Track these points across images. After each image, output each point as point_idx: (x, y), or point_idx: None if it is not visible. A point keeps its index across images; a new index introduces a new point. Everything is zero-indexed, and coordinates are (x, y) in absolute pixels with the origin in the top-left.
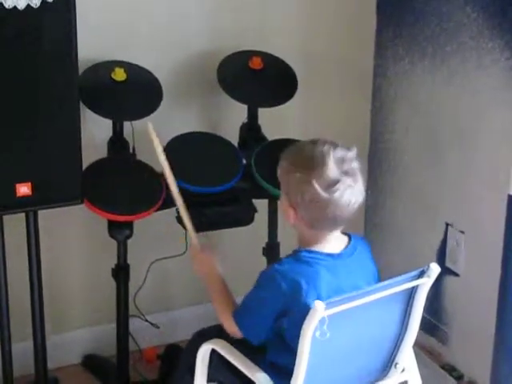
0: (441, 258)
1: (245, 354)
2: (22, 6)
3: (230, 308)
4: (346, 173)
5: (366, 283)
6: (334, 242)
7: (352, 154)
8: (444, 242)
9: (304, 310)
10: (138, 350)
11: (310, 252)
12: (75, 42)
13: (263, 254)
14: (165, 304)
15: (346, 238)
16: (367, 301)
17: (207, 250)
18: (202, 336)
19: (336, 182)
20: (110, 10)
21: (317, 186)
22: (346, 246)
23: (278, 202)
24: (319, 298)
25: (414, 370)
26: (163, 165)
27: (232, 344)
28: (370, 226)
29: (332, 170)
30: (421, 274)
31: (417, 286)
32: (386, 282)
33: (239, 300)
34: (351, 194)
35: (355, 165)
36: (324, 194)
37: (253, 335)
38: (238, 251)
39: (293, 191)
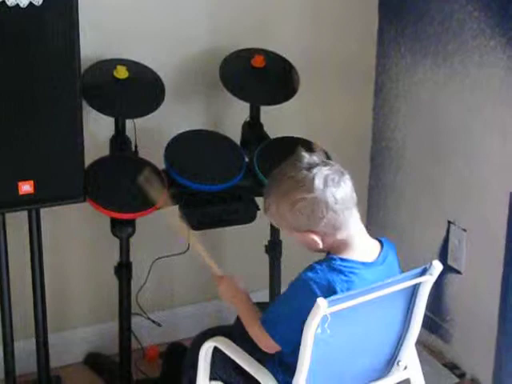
0: (443, 256)
1: (248, 352)
2: (24, 3)
3: (257, 321)
4: (311, 167)
5: None
6: (365, 248)
7: (302, 153)
8: (446, 239)
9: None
10: (140, 348)
11: (343, 260)
12: (77, 40)
13: (266, 251)
14: (167, 302)
15: (377, 244)
16: (370, 298)
17: (227, 276)
18: (207, 335)
19: (311, 178)
20: (112, 7)
21: (302, 195)
22: (379, 254)
23: (297, 241)
24: None
25: (416, 367)
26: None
27: (235, 342)
28: (373, 224)
29: (300, 173)
30: (423, 272)
31: (419, 284)
32: (388, 280)
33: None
34: (333, 175)
35: (314, 157)
36: (313, 195)
37: (285, 342)
38: (241, 249)
39: (295, 219)
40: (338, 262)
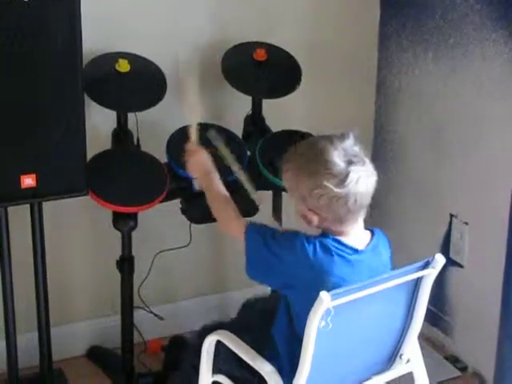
0: (445, 250)
1: (251, 345)
2: None
3: (233, 211)
4: (351, 162)
5: None
6: (357, 235)
7: (350, 141)
8: (448, 233)
9: (312, 294)
10: (143, 342)
11: (336, 241)
12: (80, 34)
13: None
14: (169, 295)
15: (368, 234)
16: (372, 292)
17: (203, 151)
18: (208, 330)
19: (346, 174)
20: (114, 1)
21: (330, 185)
22: (369, 242)
23: (296, 209)
24: (325, 286)
25: (418, 361)
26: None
27: (238, 335)
28: (375, 217)
29: (337, 164)
30: (426, 265)
31: (422, 277)
32: (391, 273)
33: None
34: (365, 177)
35: (356, 149)
36: (340, 190)
37: (251, 266)
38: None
39: (309, 198)
40: (330, 241)
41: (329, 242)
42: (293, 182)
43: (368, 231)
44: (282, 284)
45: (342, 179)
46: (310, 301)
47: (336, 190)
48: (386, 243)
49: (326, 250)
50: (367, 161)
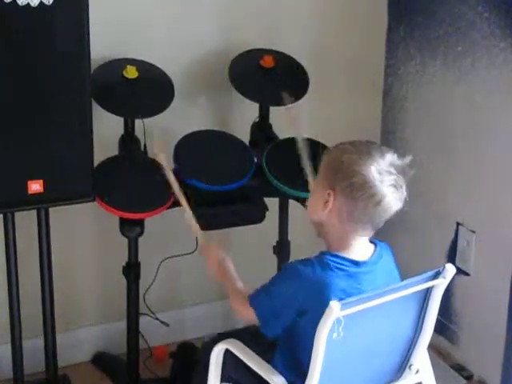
0: (451, 258)
1: (259, 354)
2: (35, 2)
3: (244, 295)
4: (397, 175)
5: None
6: (360, 248)
7: (405, 161)
8: (455, 241)
9: (319, 311)
10: (148, 348)
11: (334, 256)
12: (88, 40)
13: (274, 252)
14: (175, 302)
15: (372, 246)
16: (382, 302)
17: (213, 245)
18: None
19: (391, 173)
20: (122, 7)
21: (373, 171)
22: (372, 254)
23: (309, 201)
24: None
25: (428, 371)
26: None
27: (246, 344)
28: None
29: (389, 162)
30: (436, 275)
31: (432, 287)
32: (401, 283)
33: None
34: (397, 193)
35: (402, 177)
36: (376, 182)
37: (269, 327)
38: (249, 249)
39: (342, 173)
40: (328, 257)
41: (326, 258)
42: (333, 159)
43: (371, 244)
44: (296, 313)
45: (384, 176)
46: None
47: (373, 179)
48: (390, 256)
49: (325, 265)
50: (405, 192)
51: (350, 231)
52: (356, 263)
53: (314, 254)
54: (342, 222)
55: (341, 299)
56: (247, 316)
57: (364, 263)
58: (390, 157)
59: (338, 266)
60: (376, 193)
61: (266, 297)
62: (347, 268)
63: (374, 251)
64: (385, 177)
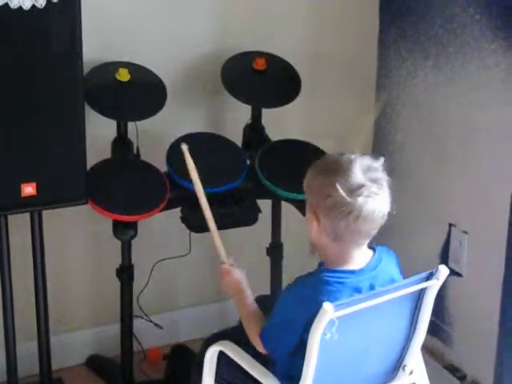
0: (444, 259)
1: (253, 354)
2: (27, 6)
3: (258, 327)
4: (371, 180)
5: None
6: (358, 258)
7: (379, 163)
8: (447, 242)
9: None
10: (142, 351)
11: (331, 271)
12: (80, 43)
13: (267, 254)
14: (168, 304)
15: (370, 252)
16: (376, 303)
17: (236, 267)
18: (212, 341)
19: (360, 186)
20: (114, 10)
21: (340, 189)
22: (370, 260)
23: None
24: None
25: (422, 372)
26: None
27: (240, 345)
28: None
29: (357, 175)
30: (429, 276)
31: (425, 289)
32: (394, 285)
33: None
34: (376, 201)
35: (381, 175)
36: (347, 199)
37: (278, 353)
38: (242, 251)
39: (316, 197)
40: (325, 274)
41: (325, 275)
42: (308, 182)
43: (369, 249)
44: (304, 327)
45: (354, 189)
46: None
47: (343, 194)
48: (392, 259)
49: (324, 283)
50: (386, 190)
51: (344, 248)
52: (353, 272)
53: (312, 269)
54: (334, 241)
55: None
56: (259, 348)
57: (361, 271)
58: (359, 167)
59: (337, 280)
60: (351, 209)
61: (273, 328)
62: (346, 280)
63: (372, 257)
64: (355, 191)
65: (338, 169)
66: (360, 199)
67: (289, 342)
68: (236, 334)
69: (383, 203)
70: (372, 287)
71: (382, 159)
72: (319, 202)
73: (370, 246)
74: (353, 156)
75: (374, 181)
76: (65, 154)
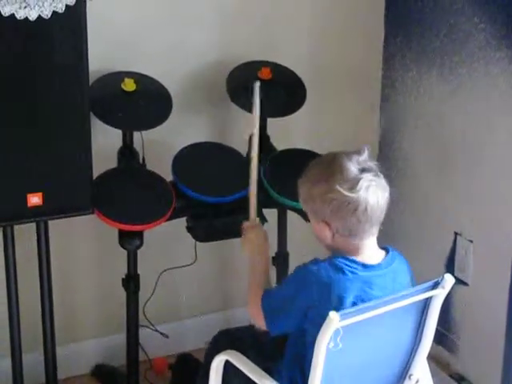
0: (450, 268)
1: (260, 362)
2: (33, 17)
3: (259, 299)
4: (364, 170)
5: None
6: (371, 254)
7: (364, 155)
8: (453, 251)
9: (325, 314)
10: (148, 360)
11: (347, 259)
12: (86, 53)
13: (273, 263)
14: (174, 314)
15: (383, 252)
16: (382, 312)
17: (262, 229)
18: (220, 342)
19: (358, 180)
20: (120, 20)
21: (341, 189)
22: (383, 259)
23: (312, 227)
24: (343, 305)
25: (428, 381)
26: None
27: (245, 353)
28: (379, 235)
29: (350, 170)
30: (435, 285)
31: (431, 297)
32: (400, 293)
33: None
34: (376, 187)
35: (370, 163)
36: (351, 195)
37: (275, 324)
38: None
39: (320, 205)
40: (340, 260)
41: (338, 261)
42: (306, 193)
43: (382, 250)
44: (307, 308)
45: (354, 184)
46: None
47: (346, 193)
48: (404, 265)
49: (338, 268)
50: (381, 175)
51: (358, 240)
52: (367, 267)
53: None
54: (348, 237)
55: (354, 304)
56: (254, 317)
57: (373, 267)
58: (350, 162)
59: (351, 269)
60: (357, 204)
61: (277, 295)
62: (359, 272)
63: (386, 256)
64: (355, 186)
65: (332, 171)
66: (362, 192)
67: (288, 319)
68: (242, 338)
69: (382, 187)
70: (384, 288)
71: (365, 148)
72: (325, 209)
73: (383, 247)
74: (338, 155)
75: (368, 170)
76: (71, 164)
